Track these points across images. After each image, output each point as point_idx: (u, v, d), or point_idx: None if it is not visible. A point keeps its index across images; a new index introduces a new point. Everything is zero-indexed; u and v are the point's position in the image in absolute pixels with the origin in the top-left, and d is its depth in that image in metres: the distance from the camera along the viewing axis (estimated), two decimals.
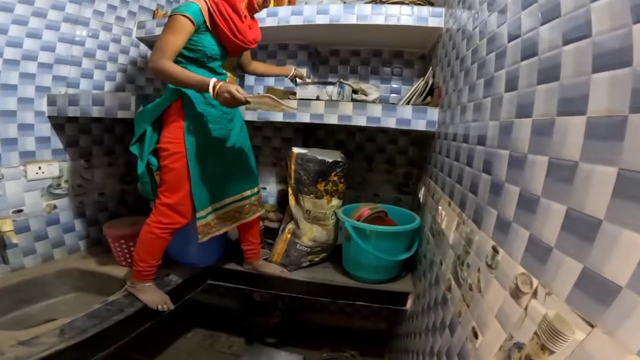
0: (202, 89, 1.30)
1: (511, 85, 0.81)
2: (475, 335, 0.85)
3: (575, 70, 0.57)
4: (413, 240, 1.71)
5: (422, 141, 2.03)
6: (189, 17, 1.30)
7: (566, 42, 0.60)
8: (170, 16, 1.31)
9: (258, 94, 1.61)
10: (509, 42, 0.84)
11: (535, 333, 0.60)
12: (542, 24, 0.69)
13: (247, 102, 1.27)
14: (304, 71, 1.91)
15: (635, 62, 0.45)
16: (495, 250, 0.82)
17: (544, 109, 0.66)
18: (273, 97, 1.29)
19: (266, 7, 1.53)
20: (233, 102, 1.26)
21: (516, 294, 0.70)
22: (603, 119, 0.50)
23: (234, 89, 1.24)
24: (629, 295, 0.43)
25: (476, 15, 1.14)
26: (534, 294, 0.63)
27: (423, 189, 1.80)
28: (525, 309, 0.65)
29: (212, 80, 1.27)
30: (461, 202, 1.12)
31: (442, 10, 1.65)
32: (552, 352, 0.55)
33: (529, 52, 0.73)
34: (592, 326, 0.48)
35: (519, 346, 0.65)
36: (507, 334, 0.70)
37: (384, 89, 2.19)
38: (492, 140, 0.91)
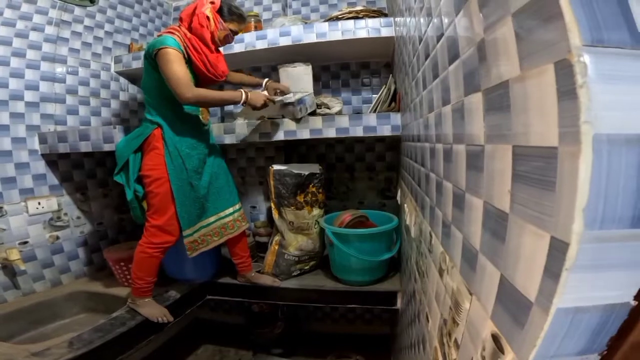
0: (237, 102, 1.56)
1: (424, 84, 0.89)
2: (428, 320, 0.90)
3: (443, 63, 0.65)
4: (394, 241, 1.77)
5: (396, 146, 2.10)
6: (177, 49, 1.43)
7: (438, 39, 0.68)
8: (159, 51, 1.41)
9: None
10: (419, 44, 0.92)
11: (450, 307, 0.64)
12: (428, 25, 0.77)
13: (273, 102, 1.65)
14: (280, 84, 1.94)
15: (461, 52, 0.53)
16: (430, 236, 0.88)
17: (437, 103, 0.74)
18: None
19: (228, 42, 1.63)
20: (264, 106, 1.61)
21: (441, 272, 0.75)
22: (455, 104, 0.58)
23: (263, 99, 1.59)
24: (482, 258, 0.48)
25: (406, 20, 1.23)
26: (447, 270, 0.69)
27: (399, 191, 1.87)
28: (445, 286, 0.70)
29: (242, 93, 1.55)
30: (415, 197, 1.19)
31: (392, 20, 1.74)
32: (457, 324, 0.59)
33: (427, 52, 0.81)
34: (471, 294, 0.52)
35: (445, 322, 0.68)
36: (439, 312, 0.74)
37: (356, 100, 2.29)
38: (422, 136, 0.99)
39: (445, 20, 0.62)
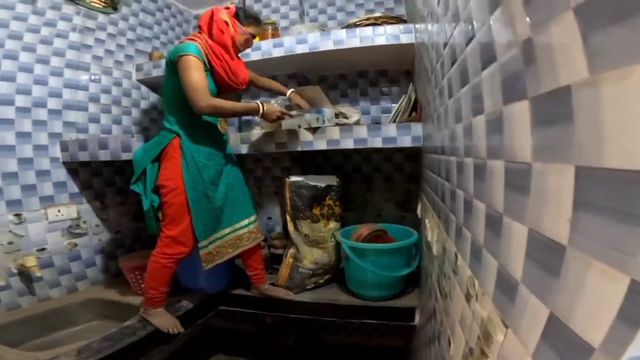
0: (252, 113, 1.56)
1: (450, 93, 0.83)
2: (449, 344, 0.84)
3: (474, 69, 0.59)
4: (414, 256, 1.70)
5: (416, 156, 2.03)
6: (197, 57, 1.41)
7: (467, 43, 0.62)
8: (180, 58, 1.40)
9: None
10: (444, 49, 0.86)
11: (478, 337, 0.58)
12: (454, 29, 0.71)
13: (290, 117, 1.63)
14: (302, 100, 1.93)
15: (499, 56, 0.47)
16: (456, 256, 0.82)
17: (465, 112, 0.68)
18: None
19: (249, 46, 1.62)
20: (278, 119, 1.60)
21: (468, 297, 0.69)
22: (491, 114, 0.52)
23: (277, 113, 1.57)
24: (524, 290, 0.41)
25: (428, 26, 1.18)
26: (476, 296, 0.63)
27: (420, 204, 1.79)
28: (473, 312, 0.64)
29: (258, 106, 1.54)
30: (438, 213, 1.12)
31: (412, 26, 1.68)
32: (487, 356, 0.53)
33: (454, 57, 0.75)
34: (506, 327, 0.46)
35: (471, 351, 0.62)
36: (465, 339, 0.68)
37: (375, 109, 2.23)
38: (447, 148, 0.92)
39: (476, 23, 0.56)
